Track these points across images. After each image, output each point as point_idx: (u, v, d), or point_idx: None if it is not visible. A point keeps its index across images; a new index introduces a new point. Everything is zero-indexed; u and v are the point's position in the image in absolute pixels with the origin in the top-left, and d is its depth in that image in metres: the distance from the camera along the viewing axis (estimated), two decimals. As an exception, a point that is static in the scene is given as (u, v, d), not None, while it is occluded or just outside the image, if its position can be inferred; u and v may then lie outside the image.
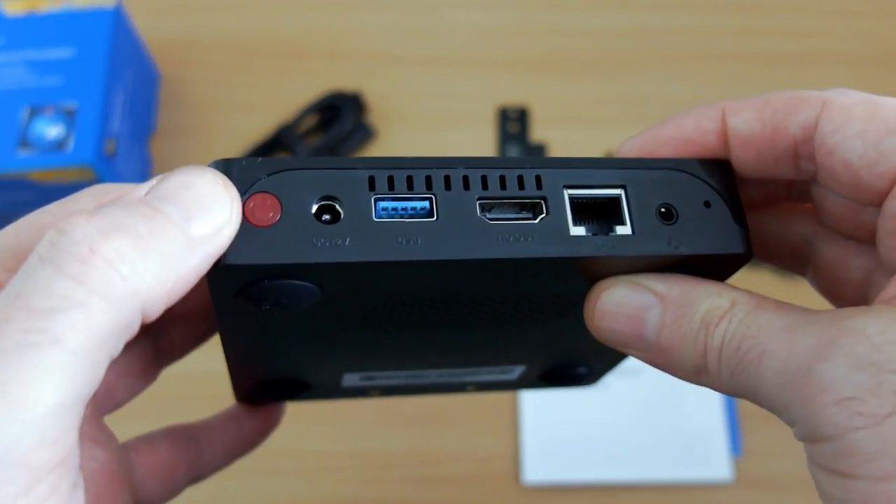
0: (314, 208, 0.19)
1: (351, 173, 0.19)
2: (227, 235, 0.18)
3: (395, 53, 0.64)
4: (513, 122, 0.61)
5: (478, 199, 0.20)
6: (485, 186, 0.20)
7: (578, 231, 0.20)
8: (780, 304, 0.19)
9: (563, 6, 0.66)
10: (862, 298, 0.23)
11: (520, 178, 0.20)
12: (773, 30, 0.65)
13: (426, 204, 0.20)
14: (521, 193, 0.20)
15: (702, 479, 0.48)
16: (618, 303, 0.21)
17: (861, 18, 0.65)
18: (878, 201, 0.20)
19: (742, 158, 0.21)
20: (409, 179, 0.20)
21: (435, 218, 0.19)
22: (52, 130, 0.51)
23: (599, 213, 0.21)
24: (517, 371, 0.31)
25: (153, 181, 0.18)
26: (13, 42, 0.54)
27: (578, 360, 0.30)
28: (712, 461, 0.48)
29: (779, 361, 0.18)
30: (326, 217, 0.19)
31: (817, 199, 0.23)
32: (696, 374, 0.20)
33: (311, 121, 0.60)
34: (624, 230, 0.20)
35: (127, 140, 0.55)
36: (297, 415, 0.50)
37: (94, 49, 0.54)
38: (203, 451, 0.28)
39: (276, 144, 0.59)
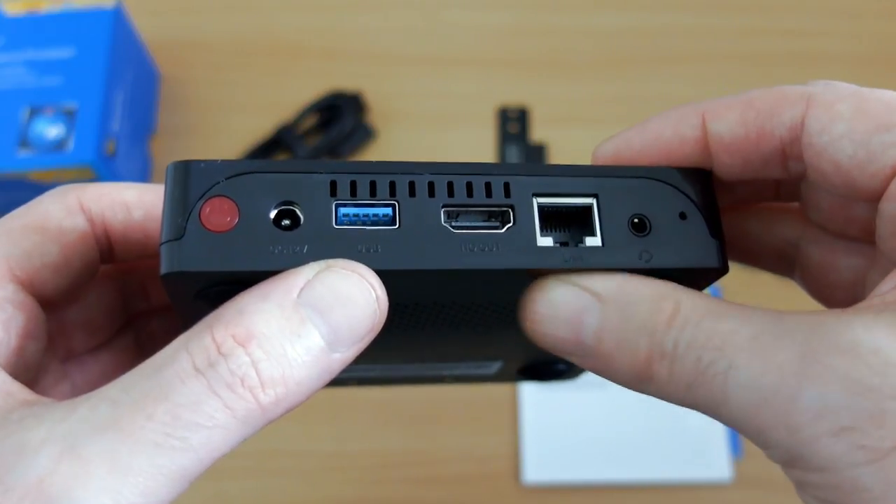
0: (273, 213, 0.18)
1: (312, 178, 0.19)
2: (359, 352, 0.19)
3: (395, 53, 0.64)
4: (513, 122, 0.61)
5: (443, 207, 0.19)
6: (451, 193, 0.19)
7: (546, 241, 0.19)
8: (742, 309, 0.18)
9: (563, 6, 0.66)
10: (853, 299, 0.22)
11: (487, 185, 0.20)
12: (773, 30, 0.65)
13: (389, 211, 0.19)
14: (488, 201, 0.19)
15: (702, 479, 0.48)
16: (553, 305, 0.19)
17: (861, 18, 0.65)
18: (873, 199, 0.19)
19: (728, 163, 0.21)
20: (373, 185, 0.19)
21: (397, 226, 0.19)
22: (52, 130, 0.51)
23: (570, 223, 0.20)
24: (495, 366, 0.30)
25: (309, 271, 0.18)
26: (13, 42, 0.54)
27: (556, 358, 0.30)
28: (712, 461, 0.48)
29: (750, 379, 0.17)
30: (286, 222, 0.18)
31: (806, 195, 0.22)
32: (639, 382, 0.19)
33: (311, 121, 0.60)
34: (594, 241, 0.20)
35: (127, 140, 0.55)
36: (297, 415, 0.50)
37: (94, 49, 0.54)
38: None
39: (276, 144, 0.59)
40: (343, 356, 0.18)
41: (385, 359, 0.28)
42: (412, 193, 0.19)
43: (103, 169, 0.51)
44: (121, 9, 0.57)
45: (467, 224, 0.19)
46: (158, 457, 0.16)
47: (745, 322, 0.17)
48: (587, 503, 0.48)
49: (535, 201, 0.20)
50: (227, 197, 0.18)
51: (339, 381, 0.32)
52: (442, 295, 0.21)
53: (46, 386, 0.23)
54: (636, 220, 0.20)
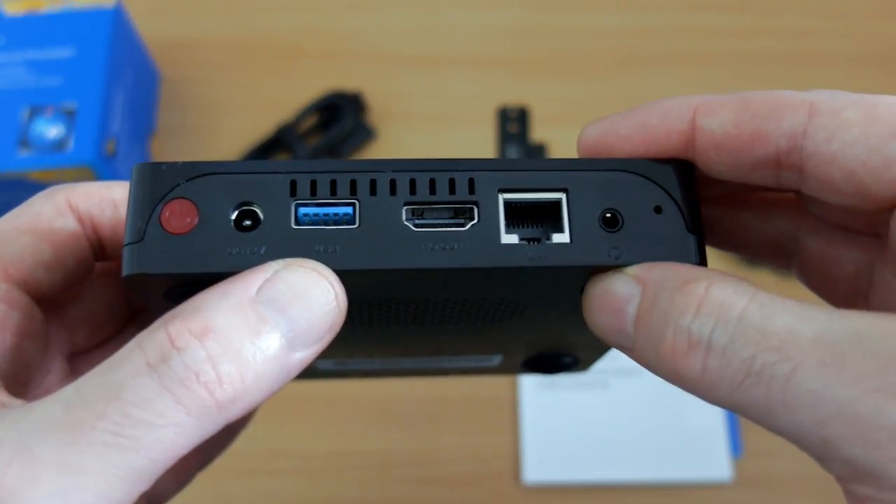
0: (233, 214, 0.18)
1: (273, 178, 0.19)
2: (319, 351, 0.18)
3: (394, 53, 0.64)
4: (513, 122, 0.61)
5: (404, 205, 0.19)
6: (413, 191, 0.19)
7: (511, 239, 0.19)
8: (793, 303, 0.16)
9: (563, 6, 0.66)
10: (856, 293, 0.21)
11: (451, 182, 0.19)
12: (773, 30, 0.65)
13: (349, 210, 0.19)
14: (451, 198, 0.19)
15: (702, 479, 0.48)
16: (601, 294, 0.19)
17: (861, 18, 0.65)
18: (887, 207, 0.18)
19: (714, 161, 0.19)
20: (333, 184, 0.19)
21: (357, 225, 0.19)
22: (52, 130, 0.51)
23: (539, 219, 0.19)
24: (495, 359, 0.30)
25: (268, 269, 0.18)
26: (13, 42, 0.54)
27: (559, 351, 0.29)
28: (712, 461, 0.48)
29: (821, 388, 0.15)
30: (247, 223, 0.18)
31: (812, 171, 0.20)
32: (669, 376, 0.18)
33: (311, 121, 0.60)
34: (561, 238, 0.19)
35: (127, 140, 0.55)
36: (298, 415, 0.50)
37: (94, 49, 0.54)
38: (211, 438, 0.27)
39: (277, 144, 0.59)
40: (303, 355, 0.18)
41: (380, 353, 0.28)
42: (373, 192, 0.19)
43: (103, 169, 0.51)
44: (121, 9, 0.57)
45: (431, 222, 0.19)
46: (108, 457, 0.16)
47: (804, 320, 0.16)
48: (587, 503, 0.48)
49: (501, 197, 0.19)
50: (187, 199, 0.18)
51: (343, 374, 0.32)
52: (413, 293, 0.21)
53: (50, 384, 0.23)
54: (608, 215, 0.19)
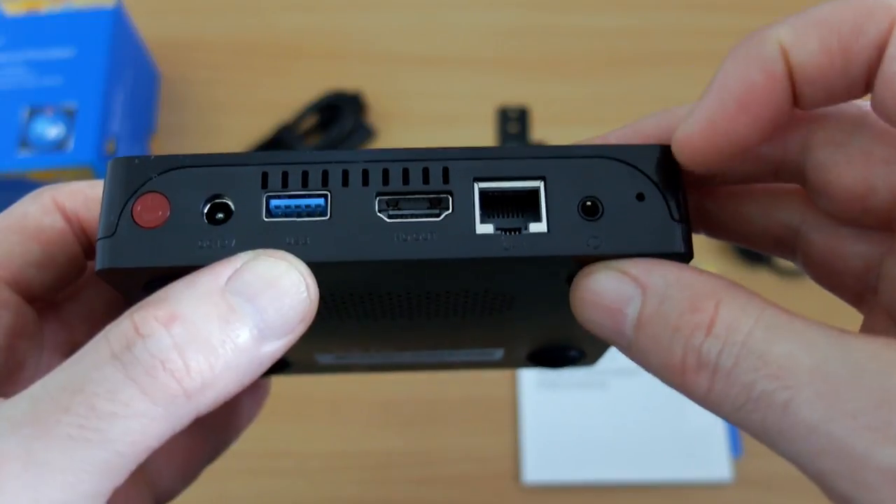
0: (205, 208, 0.18)
1: (245, 170, 0.19)
2: (290, 343, 0.18)
3: (395, 53, 0.64)
4: (513, 122, 0.61)
5: (377, 196, 0.19)
6: (385, 181, 0.19)
7: (486, 229, 0.18)
8: (800, 324, 0.16)
9: (563, 6, 0.66)
10: (864, 288, 0.21)
11: (425, 171, 0.19)
12: (773, 30, 0.65)
13: (321, 201, 0.19)
14: (425, 188, 0.19)
15: (702, 479, 0.48)
16: (595, 291, 0.18)
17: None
18: None
19: (808, 94, 0.18)
20: (305, 175, 0.19)
21: (328, 217, 0.18)
22: (52, 130, 0.51)
23: (516, 209, 0.19)
24: (498, 353, 0.30)
25: (237, 260, 0.18)
26: (13, 42, 0.54)
27: (564, 344, 0.28)
28: (712, 461, 0.48)
29: (815, 421, 0.15)
30: (219, 216, 0.18)
31: (815, 181, 0.20)
32: (677, 387, 0.17)
33: (311, 121, 0.60)
34: (538, 227, 0.18)
35: (127, 140, 0.55)
36: (298, 415, 0.50)
37: (94, 49, 0.54)
38: (215, 431, 0.27)
39: (277, 144, 0.59)
40: (273, 346, 0.18)
41: (376, 346, 0.28)
42: (345, 183, 0.19)
43: (103, 169, 0.51)
44: (121, 9, 0.57)
45: (404, 213, 0.19)
46: (74, 451, 0.16)
47: (805, 346, 0.16)
48: (587, 503, 0.48)
49: (477, 186, 0.19)
50: (159, 192, 0.18)
51: (345, 368, 0.32)
52: (391, 286, 0.20)
53: None
54: (587, 204, 0.19)
